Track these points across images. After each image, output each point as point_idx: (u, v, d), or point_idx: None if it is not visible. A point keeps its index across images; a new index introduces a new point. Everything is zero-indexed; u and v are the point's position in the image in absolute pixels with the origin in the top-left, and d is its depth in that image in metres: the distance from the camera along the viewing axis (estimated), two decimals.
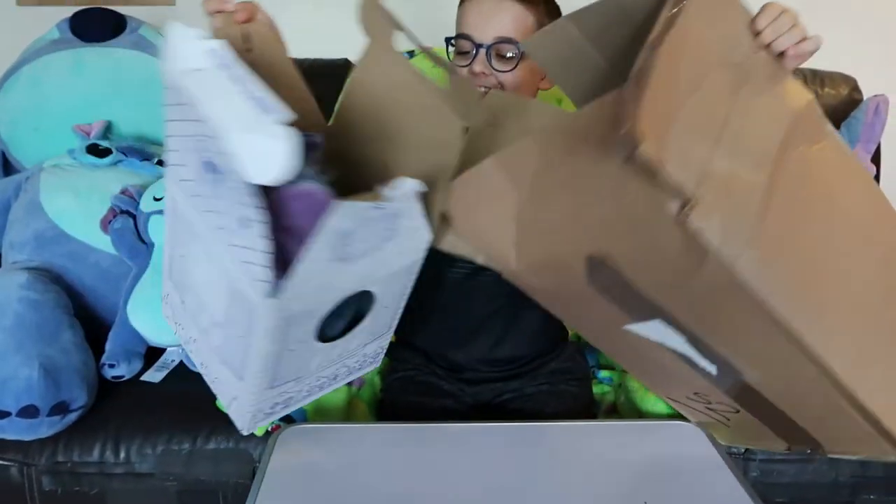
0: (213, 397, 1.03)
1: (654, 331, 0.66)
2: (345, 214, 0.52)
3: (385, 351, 0.77)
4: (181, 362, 1.13)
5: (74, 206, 1.20)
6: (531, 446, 0.75)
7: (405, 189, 0.57)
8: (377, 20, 0.66)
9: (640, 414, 0.98)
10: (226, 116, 0.49)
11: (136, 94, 1.39)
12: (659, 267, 0.58)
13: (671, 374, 0.73)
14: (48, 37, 1.38)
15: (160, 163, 1.27)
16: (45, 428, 0.96)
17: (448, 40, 0.92)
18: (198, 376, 1.12)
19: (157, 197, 1.15)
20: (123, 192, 1.19)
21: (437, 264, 0.93)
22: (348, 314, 0.65)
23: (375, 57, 0.68)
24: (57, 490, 1.00)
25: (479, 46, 0.89)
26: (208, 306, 0.63)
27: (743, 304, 0.56)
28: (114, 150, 1.26)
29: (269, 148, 0.46)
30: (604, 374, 1.12)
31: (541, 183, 0.61)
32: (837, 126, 1.50)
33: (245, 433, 0.73)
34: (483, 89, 0.89)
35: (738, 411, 0.73)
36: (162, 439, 1.00)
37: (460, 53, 0.91)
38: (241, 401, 0.66)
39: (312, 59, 1.64)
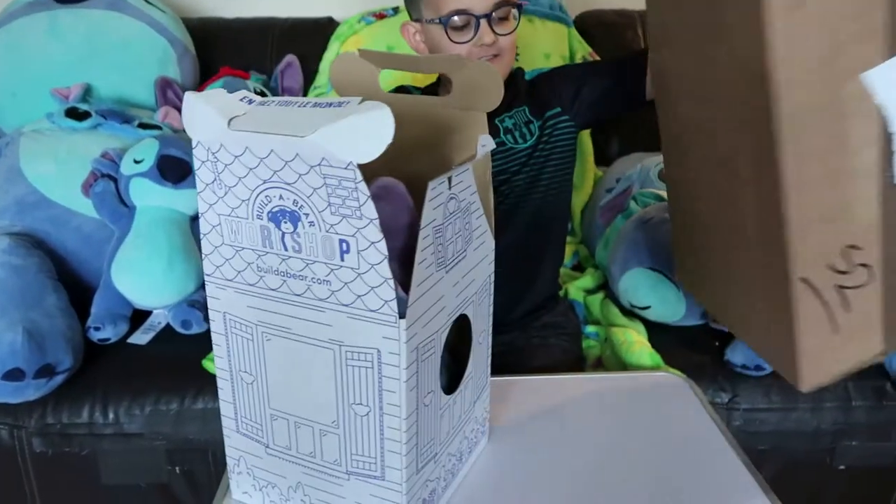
0: (200, 358, 1.04)
1: (890, 75, 0.51)
2: (435, 203, 0.48)
3: (489, 416, 0.67)
4: (167, 324, 1.13)
5: (55, 170, 1.19)
6: (517, 399, 0.75)
7: (487, 143, 0.54)
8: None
9: (624, 367, 0.99)
10: (302, 124, 0.43)
11: (114, 55, 1.37)
12: None
13: (848, 188, 0.55)
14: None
15: (141, 125, 1.26)
16: (31, 391, 0.97)
17: (442, 21, 0.89)
18: (185, 338, 1.13)
19: (138, 159, 1.14)
20: (104, 155, 1.17)
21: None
22: (446, 364, 0.57)
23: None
24: (47, 451, 1.01)
25: (480, 18, 0.88)
26: (308, 418, 0.53)
27: None
28: (93, 113, 1.25)
29: (368, 121, 0.42)
30: (590, 329, 1.12)
31: None
32: None
33: None
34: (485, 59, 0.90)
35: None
36: (150, 400, 1.01)
37: (457, 29, 0.89)
38: None
39: (295, 17, 1.62)
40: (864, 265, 0.56)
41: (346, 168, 0.43)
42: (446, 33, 0.89)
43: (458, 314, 0.56)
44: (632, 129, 1.44)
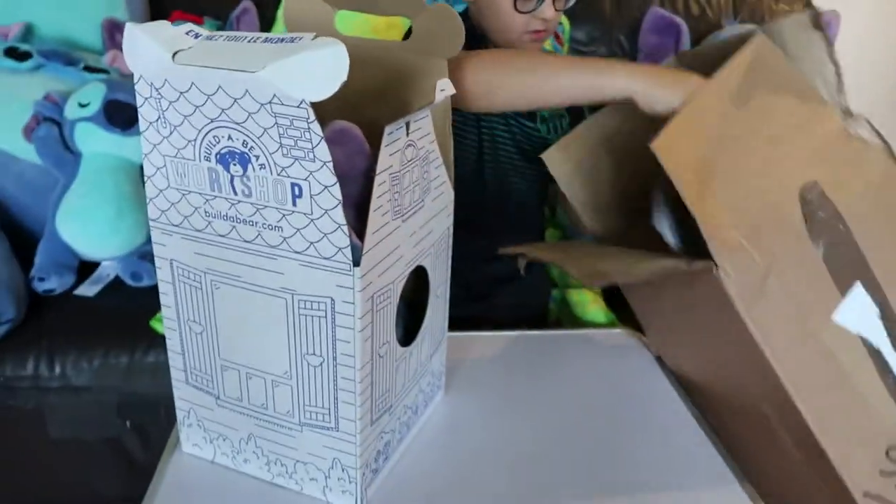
0: (150, 311, 1.02)
1: (854, 307, 0.60)
2: (391, 149, 0.46)
3: (444, 371, 0.67)
4: (117, 276, 1.10)
5: None
6: (473, 354, 0.75)
7: (446, 88, 0.52)
8: None
9: (580, 326, 1.00)
10: (252, 59, 0.41)
11: None
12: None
13: (863, 404, 0.62)
14: None
15: (87, 69, 1.19)
16: None
17: None
18: (136, 290, 1.09)
19: (83, 103, 1.09)
20: (46, 97, 1.12)
21: (487, 184, 0.94)
22: (402, 316, 0.56)
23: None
24: None
25: None
26: (260, 369, 0.52)
27: None
28: (34, 53, 1.18)
29: (322, 57, 0.40)
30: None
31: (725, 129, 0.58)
32: None
33: None
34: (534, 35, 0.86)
35: None
36: (98, 353, 0.98)
37: None
38: (345, 463, 0.52)
39: None
40: None
41: (298, 107, 0.41)
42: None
43: (415, 265, 0.55)
44: None
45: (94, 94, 1.09)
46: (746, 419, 0.66)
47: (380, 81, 0.59)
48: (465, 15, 0.94)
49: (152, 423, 1.01)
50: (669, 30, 1.43)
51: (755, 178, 0.59)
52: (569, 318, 1.05)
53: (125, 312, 1.03)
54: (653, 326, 0.76)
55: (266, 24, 1.45)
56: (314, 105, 0.41)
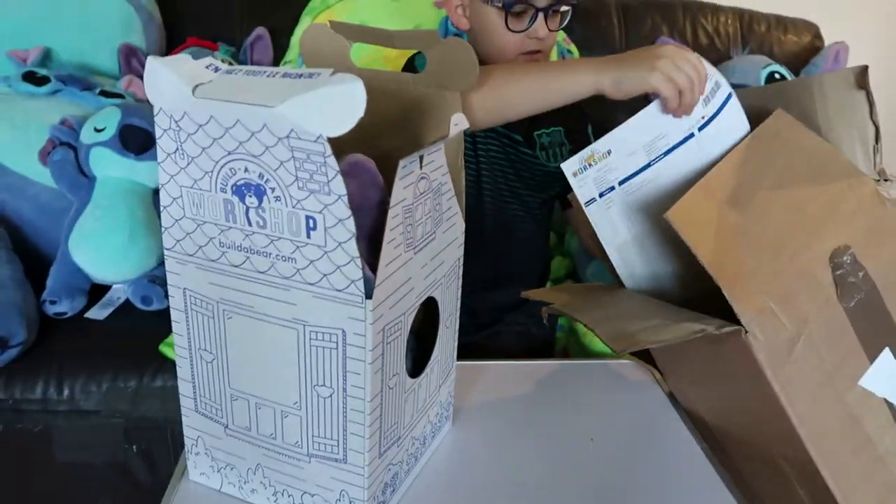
0: (160, 335, 1.02)
1: (882, 373, 0.61)
2: (405, 182, 0.46)
3: (453, 401, 0.66)
4: (127, 300, 1.11)
5: (11, 136, 1.14)
6: (482, 385, 0.75)
7: (460, 122, 0.53)
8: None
9: (588, 356, 1.00)
10: (270, 94, 0.41)
11: (78, 18, 1.32)
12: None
13: (884, 469, 0.63)
14: None
15: (103, 93, 1.21)
16: None
17: (507, 5, 0.85)
18: (145, 314, 1.10)
19: (99, 128, 1.10)
20: (63, 122, 1.13)
21: (485, 210, 0.95)
22: (411, 347, 0.56)
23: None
24: None
25: (539, 10, 0.85)
26: (270, 399, 0.51)
27: None
28: (52, 78, 1.20)
29: (340, 93, 0.41)
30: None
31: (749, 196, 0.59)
32: (798, 72, 1.50)
33: None
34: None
35: None
36: (107, 377, 0.98)
37: (517, 17, 0.86)
38: (353, 495, 0.52)
39: None
40: None
41: (315, 141, 0.42)
42: (505, 18, 0.86)
43: (426, 296, 0.55)
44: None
45: (109, 118, 1.11)
46: (763, 469, 0.66)
47: (395, 113, 0.60)
48: None
49: (160, 448, 1.00)
50: None
51: (782, 242, 0.59)
52: (577, 348, 1.05)
53: (135, 336, 1.04)
54: (670, 367, 0.75)
55: (280, 50, 1.47)
56: (330, 138, 0.42)
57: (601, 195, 0.67)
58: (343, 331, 0.47)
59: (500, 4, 0.85)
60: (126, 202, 1.08)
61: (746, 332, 0.55)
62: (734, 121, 0.66)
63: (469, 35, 0.92)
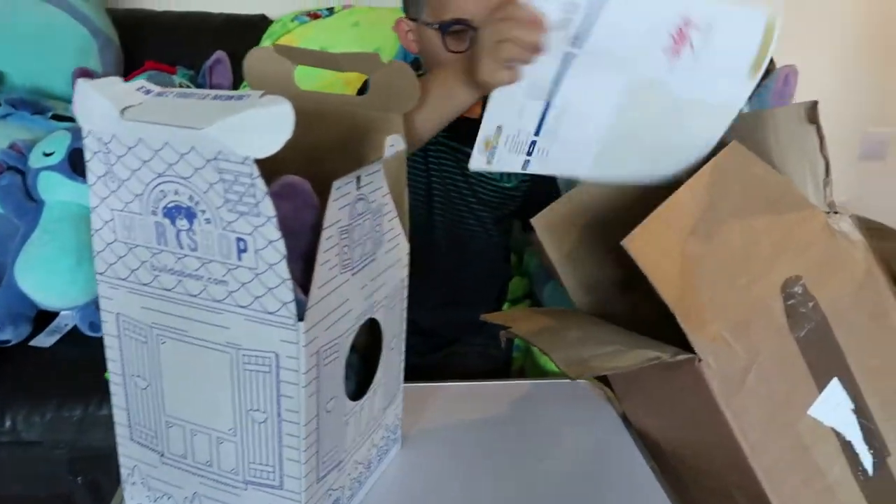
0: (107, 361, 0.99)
1: (830, 402, 0.62)
2: (340, 203, 0.46)
3: (400, 424, 0.66)
4: (74, 326, 1.08)
5: None
6: (433, 406, 0.74)
7: (395, 143, 0.53)
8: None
9: (543, 374, 1.00)
10: (199, 116, 0.42)
11: (33, 42, 1.31)
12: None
13: (832, 498, 0.64)
14: None
15: (56, 117, 1.20)
16: None
17: (442, 27, 0.85)
18: (91, 340, 1.07)
19: (47, 152, 1.09)
20: (11, 146, 1.11)
21: (436, 226, 0.94)
22: (355, 370, 0.57)
23: None
24: None
25: (475, 29, 0.84)
26: (205, 425, 0.51)
27: None
28: (2, 102, 1.18)
29: (267, 115, 0.41)
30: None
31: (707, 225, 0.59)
32: (749, 95, 1.54)
33: None
34: None
35: None
36: (51, 406, 0.96)
37: (455, 38, 0.86)
38: None
39: (228, 13, 1.58)
40: None
41: (242, 163, 0.42)
42: (443, 40, 0.86)
43: (366, 318, 0.54)
44: None
45: (59, 143, 1.09)
46: (712, 494, 0.67)
47: (340, 135, 0.60)
48: (417, 64, 0.96)
49: (105, 478, 0.97)
50: None
51: (738, 271, 0.60)
52: (533, 368, 1.05)
53: (80, 364, 1.01)
54: (626, 393, 0.75)
55: (239, 74, 1.47)
56: (271, 157, 0.41)
57: (529, 154, 0.65)
58: (276, 354, 0.46)
59: (436, 27, 0.86)
60: (74, 227, 1.06)
61: (700, 360, 0.56)
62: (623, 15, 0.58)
63: (420, 58, 0.93)
